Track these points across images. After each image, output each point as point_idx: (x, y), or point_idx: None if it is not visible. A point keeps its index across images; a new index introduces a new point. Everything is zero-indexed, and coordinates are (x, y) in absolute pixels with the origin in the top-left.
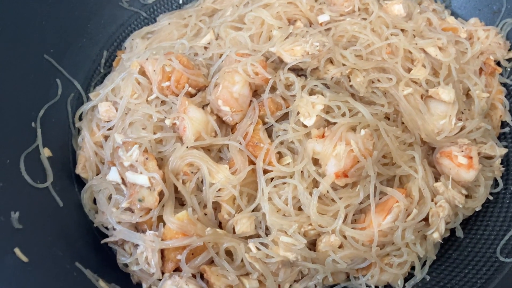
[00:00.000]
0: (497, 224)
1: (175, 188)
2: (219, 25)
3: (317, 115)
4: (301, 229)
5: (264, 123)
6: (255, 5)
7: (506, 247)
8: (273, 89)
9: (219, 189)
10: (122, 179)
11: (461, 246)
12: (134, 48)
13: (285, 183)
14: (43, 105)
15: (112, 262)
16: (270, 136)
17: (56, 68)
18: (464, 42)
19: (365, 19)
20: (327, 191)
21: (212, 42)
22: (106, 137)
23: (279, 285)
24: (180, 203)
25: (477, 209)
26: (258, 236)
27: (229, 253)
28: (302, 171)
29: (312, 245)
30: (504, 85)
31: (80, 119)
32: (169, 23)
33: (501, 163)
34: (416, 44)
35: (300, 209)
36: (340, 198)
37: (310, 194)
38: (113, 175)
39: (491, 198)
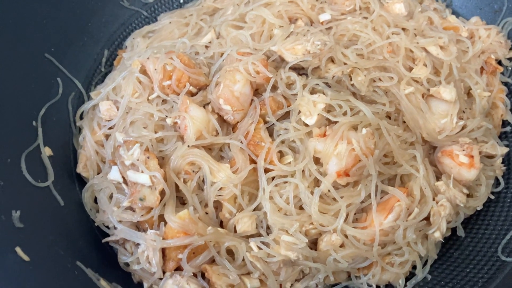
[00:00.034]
0: (499, 223)
1: (176, 187)
2: (220, 24)
3: (318, 114)
4: (302, 228)
5: (265, 122)
6: (256, 4)
7: (507, 246)
8: (274, 88)
9: (220, 188)
10: (123, 178)
11: (463, 245)
12: (135, 47)
13: (286, 182)
14: (44, 104)
15: (113, 261)
16: (271, 135)
17: (57, 67)
18: (465, 41)
19: (366, 18)
20: (329, 190)
21: (213, 41)
22: (107, 136)
23: (280, 284)
24: (181, 202)
25: (479, 208)
26: (259, 235)
27: (230, 252)
28: (303, 170)
29: (314, 244)
30: (505, 84)
31: (81, 118)
32: (170, 22)
33: (502, 162)
34: (417, 43)
35: (301, 208)
36: (341, 197)
37: (312, 193)
38: (114, 174)
39: (492, 197)
